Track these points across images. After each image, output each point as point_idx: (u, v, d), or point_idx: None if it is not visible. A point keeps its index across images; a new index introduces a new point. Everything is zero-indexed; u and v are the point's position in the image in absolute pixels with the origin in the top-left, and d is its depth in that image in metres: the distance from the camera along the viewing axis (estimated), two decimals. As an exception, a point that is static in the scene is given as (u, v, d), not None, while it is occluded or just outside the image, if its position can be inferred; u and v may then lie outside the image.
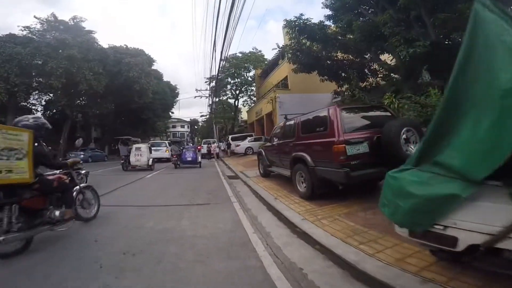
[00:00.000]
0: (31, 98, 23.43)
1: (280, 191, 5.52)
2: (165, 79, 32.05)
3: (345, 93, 12.47)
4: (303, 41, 12.35)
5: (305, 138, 4.67)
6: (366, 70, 12.81)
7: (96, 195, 4.22)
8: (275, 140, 6.60)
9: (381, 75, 11.99)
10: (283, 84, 18.68)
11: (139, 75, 20.67)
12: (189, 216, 4.23)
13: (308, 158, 4.26)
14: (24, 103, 24.14)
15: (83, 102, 23.16)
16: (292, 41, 12.45)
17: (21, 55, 17.31)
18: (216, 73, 18.65)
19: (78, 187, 3.78)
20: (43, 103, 25.30)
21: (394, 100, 6.92)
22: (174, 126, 69.54)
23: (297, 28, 11.70)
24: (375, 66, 12.19)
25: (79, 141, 4.52)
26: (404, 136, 3.88)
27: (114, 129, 28.79)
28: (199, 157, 13.75)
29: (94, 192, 4.19)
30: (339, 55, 12.58)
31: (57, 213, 3.06)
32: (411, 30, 8.62)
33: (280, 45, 23.63)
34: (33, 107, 25.57)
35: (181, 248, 2.96)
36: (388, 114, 4.56)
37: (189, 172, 10.89)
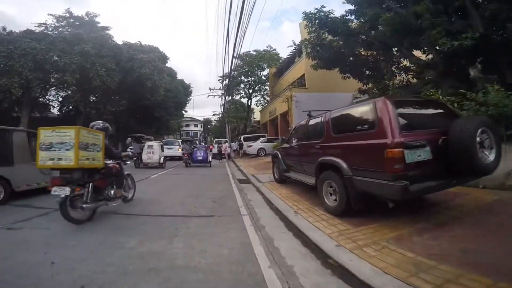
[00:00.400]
0: (49, 94, 23.61)
1: (301, 202, 4.54)
2: (179, 77, 31.88)
3: (374, 90, 11.30)
4: (324, 35, 11.32)
5: (338, 139, 3.66)
6: (393, 68, 11.57)
7: (133, 182, 5.27)
8: (294, 141, 5.62)
9: (413, 73, 10.71)
10: (300, 83, 17.63)
11: (151, 72, 20.18)
12: (185, 233, 3.32)
13: (344, 165, 3.24)
14: (42, 99, 24.48)
15: (97, 98, 23.00)
16: (312, 35, 11.44)
17: (36, 50, 17.23)
18: (229, 69, 17.86)
19: (125, 173, 4.87)
20: (60, 99, 25.47)
21: (440, 97, 5.78)
22: (187, 125, 69.91)
23: (317, 21, 10.71)
24: (406, 62, 10.93)
25: (128, 140, 6.30)
26: (478, 139, 2.84)
27: (128, 127, 28.70)
28: (210, 157, 13.81)
29: (132, 179, 5.24)
30: (362, 51, 11.43)
31: (112, 192, 4.08)
32: (453, 22, 7.56)
33: (297, 43, 22.90)
34: (50, 103, 25.90)
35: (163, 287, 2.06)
36: (446, 111, 3.48)
37: (197, 173, 10.08)
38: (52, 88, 22.48)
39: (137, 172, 9.73)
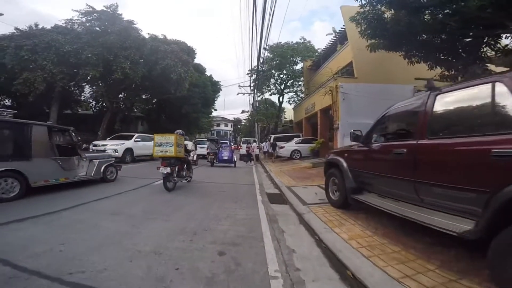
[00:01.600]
0: (77, 90, 23.50)
1: (410, 259, 1.93)
2: (208, 74, 30.32)
3: (460, 77, 8.01)
4: (382, 7, 8.33)
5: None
6: (482, 52, 8.12)
7: (191, 168, 7.34)
8: (379, 139, 2.95)
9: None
10: (346, 73, 14.53)
11: (175, 64, 18.53)
12: None
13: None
14: (79, 97, 24.55)
15: (123, 94, 22.16)
16: (366, 8, 8.45)
17: (59, 42, 16.56)
18: (257, 59, 15.41)
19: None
20: (94, 94, 25.34)
21: None
22: (218, 125, 69.56)
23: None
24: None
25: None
26: None
27: (158, 124, 27.91)
28: (235, 157, 13.65)
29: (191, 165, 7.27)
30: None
31: (185, 172, 6.65)
32: None
33: (337, 30, 19.68)
34: (82, 99, 26.00)
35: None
36: None
37: (214, 182, 7.71)
38: (84, 84, 22.23)
39: (144, 177, 7.72)
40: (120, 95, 23.07)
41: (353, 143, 4.07)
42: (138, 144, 14.17)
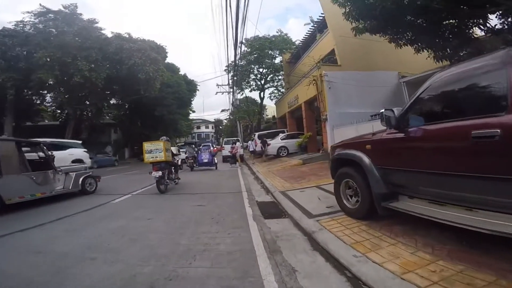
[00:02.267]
0: (46, 99, 21.07)
1: None
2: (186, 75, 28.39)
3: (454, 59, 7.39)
4: None
5: None
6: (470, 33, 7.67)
7: (178, 170, 8.30)
8: (415, 121, 1.98)
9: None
10: (329, 60, 13.71)
11: (143, 62, 16.82)
12: None
13: None
14: (39, 107, 21.85)
15: (87, 99, 20.02)
16: None
17: (6, 46, 14.42)
18: (234, 53, 14.26)
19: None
20: (54, 102, 22.80)
21: None
22: (198, 127, 67.52)
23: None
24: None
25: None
26: None
27: (133, 131, 25.82)
28: (215, 159, 13.05)
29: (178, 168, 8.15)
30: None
31: (173, 175, 7.19)
32: None
33: (315, 19, 18.93)
34: (44, 108, 23.41)
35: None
36: None
37: (191, 193, 6.46)
38: (45, 92, 19.75)
39: (101, 195, 6.34)
40: (87, 102, 20.89)
41: (364, 132, 3.07)
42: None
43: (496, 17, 7.35)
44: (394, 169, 2.45)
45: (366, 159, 2.69)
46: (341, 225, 2.94)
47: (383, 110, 2.37)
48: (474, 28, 7.81)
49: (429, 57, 8.84)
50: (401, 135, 2.32)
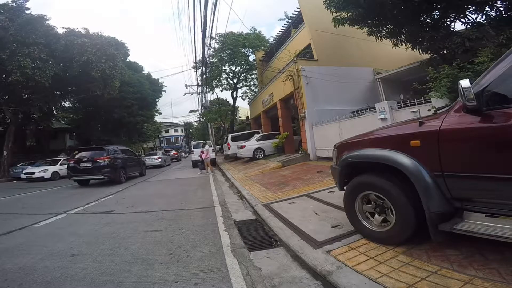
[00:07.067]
0: None
1: None
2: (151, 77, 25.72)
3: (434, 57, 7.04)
4: None
5: None
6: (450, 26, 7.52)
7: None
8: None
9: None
10: (305, 56, 13.02)
11: (97, 59, 14.63)
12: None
13: None
14: None
15: (30, 100, 17.14)
16: None
17: None
18: (202, 49, 12.97)
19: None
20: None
21: None
22: (167, 131, 63.93)
23: None
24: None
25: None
26: None
27: (90, 136, 22.86)
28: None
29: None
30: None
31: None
32: None
33: (290, 14, 18.27)
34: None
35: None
36: None
37: (144, 211, 5.07)
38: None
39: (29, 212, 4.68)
40: (31, 103, 17.88)
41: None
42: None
43: (473, 10, 7.19)
44: (463, 175, 1.50)
45: (411, 163, 1.69)
46: (367, 257, 1.93)
47: (460, 80, 1.39)
48: (453, 22, 7.67)
49: (406, 50, 8.61)
50: (488, 121, 1.36)
